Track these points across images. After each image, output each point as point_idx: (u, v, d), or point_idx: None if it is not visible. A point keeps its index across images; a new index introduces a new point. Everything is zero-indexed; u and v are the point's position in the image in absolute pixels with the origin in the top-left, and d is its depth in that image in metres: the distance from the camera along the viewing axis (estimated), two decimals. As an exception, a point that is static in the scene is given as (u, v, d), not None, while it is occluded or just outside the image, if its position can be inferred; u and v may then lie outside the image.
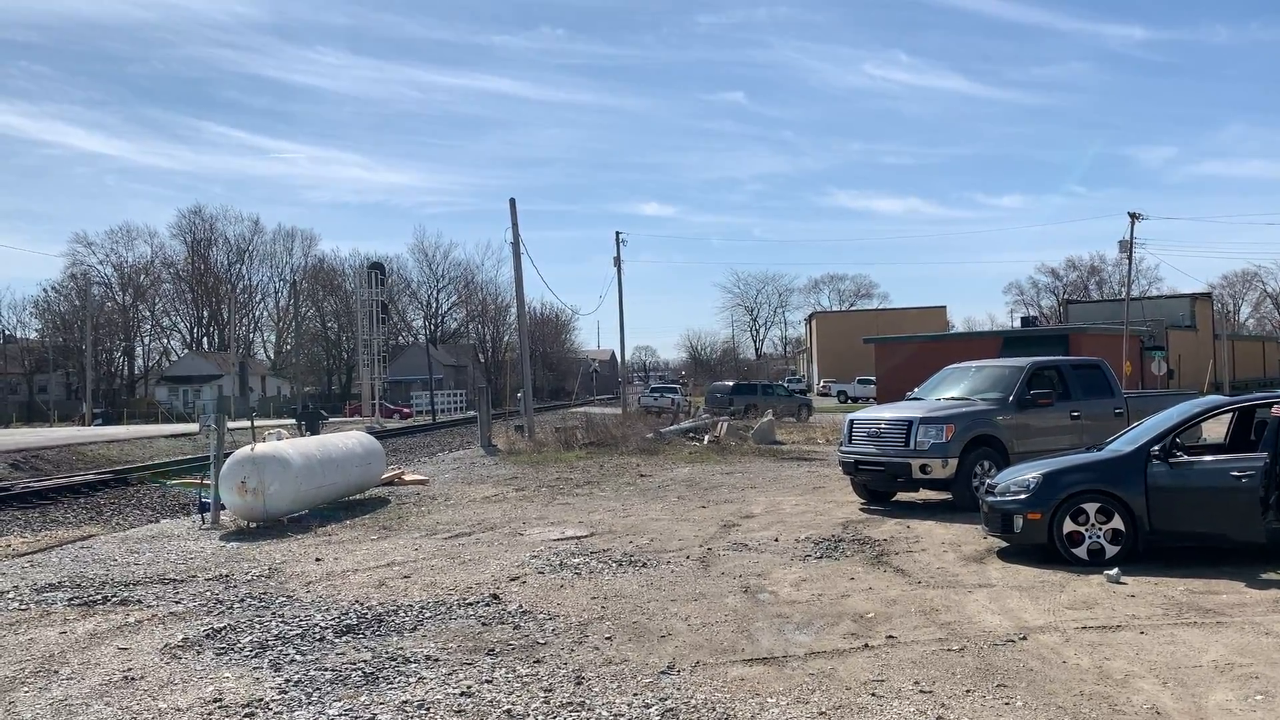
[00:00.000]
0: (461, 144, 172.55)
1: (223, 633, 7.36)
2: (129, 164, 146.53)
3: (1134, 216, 48.97)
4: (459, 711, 5.54)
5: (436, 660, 6.55)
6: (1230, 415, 11.03)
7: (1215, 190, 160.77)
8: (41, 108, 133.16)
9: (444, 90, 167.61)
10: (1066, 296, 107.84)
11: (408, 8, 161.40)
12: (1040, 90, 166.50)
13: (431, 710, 5.57)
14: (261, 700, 5.78)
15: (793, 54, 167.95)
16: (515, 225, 31.78)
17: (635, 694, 5.77)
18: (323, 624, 7.53)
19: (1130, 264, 52.54)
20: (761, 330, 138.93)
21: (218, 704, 5.73)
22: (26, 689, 6.13)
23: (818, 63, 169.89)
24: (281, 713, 5.58)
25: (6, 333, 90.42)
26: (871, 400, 50.64)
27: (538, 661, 6.48)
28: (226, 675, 6.31)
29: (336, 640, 7.10)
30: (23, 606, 8.47)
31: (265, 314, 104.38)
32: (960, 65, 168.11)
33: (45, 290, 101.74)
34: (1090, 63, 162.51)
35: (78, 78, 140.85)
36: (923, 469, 13.12)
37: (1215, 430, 12.06)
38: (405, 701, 5.71)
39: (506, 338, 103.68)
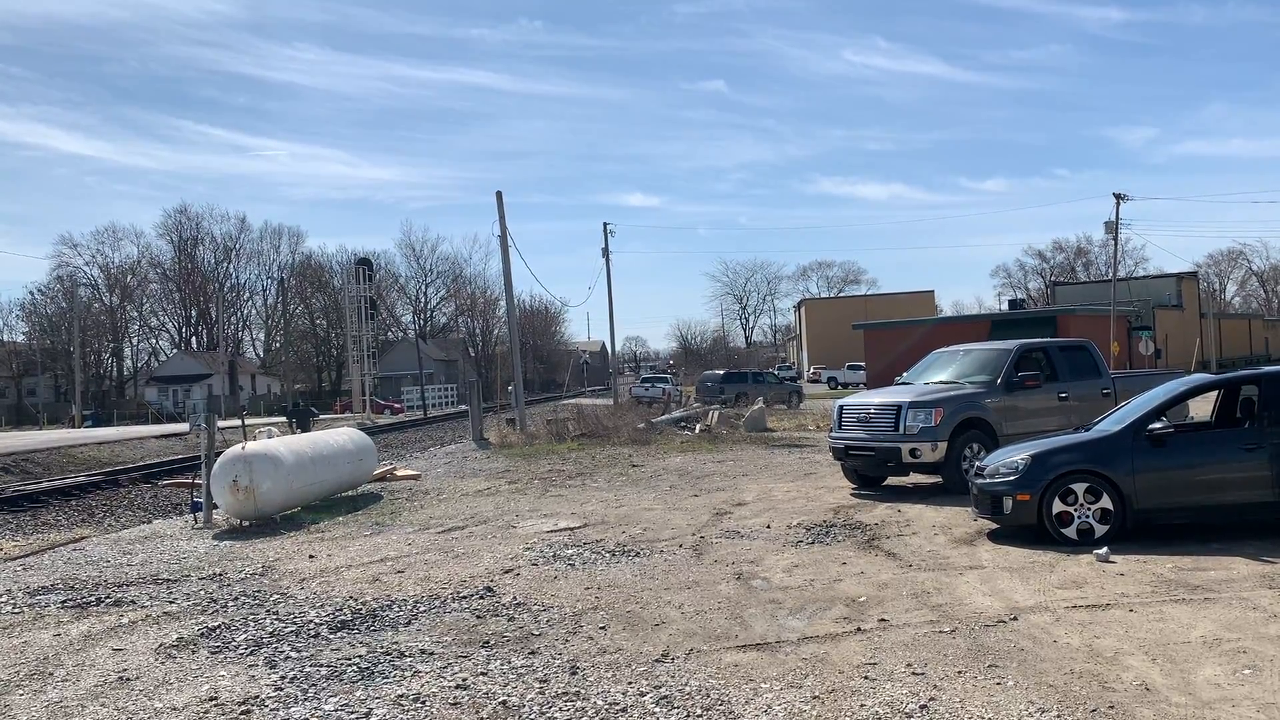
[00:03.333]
0: (444, 138, 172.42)
1: (217, 631, 7.37)
2: (110, 164, 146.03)
3: (1119, 197, 49.11)
4: (455, 704, 5.57)
5: (431, 654, 6.57)
6: (1216, 393, 11.11)
7: (1198, 170, 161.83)
8: (19, 109, 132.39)
9: (423, 85, 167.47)
10: (1054, 278, 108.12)
11: (384, 2, 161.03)
12: (1019, 74, 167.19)
13: (427, 703, 5.59)
14: (257, 697, 5.80)
15: (772, 41, 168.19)
16: (502, 218, 31.73)
17: (630, 682, 5.80)
18: (317, 620, 7.55)
19: (1116, 245, 52.70)
20: (751, 318, 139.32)
21: (214, 702, 5.75)
22: (21, 692, 6.13)
23: (797, 50, 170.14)
24: (278, 709, 5.59)
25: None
26: (861, 386, 50.75)
27: (532, 653, 6.50)
28: (222, 674, 6.32)
29: (331, 636, 7.12)
30: (16, 610, 8.46)
31: (254, 312, 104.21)
32: (939, 50, 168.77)
33: (31, 293, 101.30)
34: (1068, 45, 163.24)
35: (54, 79, 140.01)
36: (912, 453, 13.17)
37: (1202, 409, 12.15)
38: (401, 695, 5.73)
39: (496, 331, 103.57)
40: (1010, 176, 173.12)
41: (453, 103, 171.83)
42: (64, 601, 8.68)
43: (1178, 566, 8.31)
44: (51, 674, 6.49)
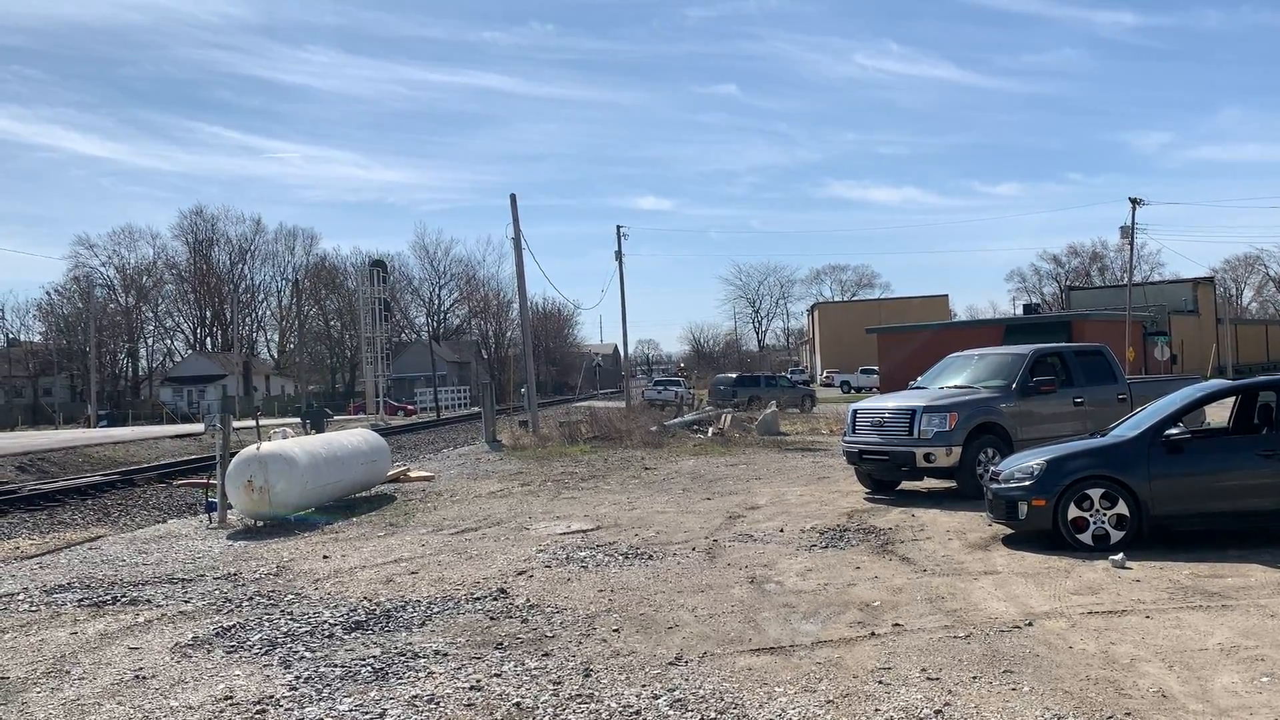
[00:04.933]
0: (456, 141, 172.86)
1: (232, 631, 7.40)
2: (125, 166, 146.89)
3: (1135, 202, 48.88)
4: (469, 705, 5.58)
5: (445, 655, 6.58)
6: (1234, 399, 11.04)
7: (1213, 175, 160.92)
8: (35, 111, 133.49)
9: (436, 88, 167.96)
10: (1069, 283, 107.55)
11: (396, 5, 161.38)
12: (1032, 78, 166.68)
13: (441, 704, 5.60)
14: (272, 697, 5.82)
15: (784, 45, 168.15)
16: (516, 221, 31.80)
17: (644, 685, 5.80)
18: (331, 621, 7.57)
19: (1132, 250, 52.45)
20: (764, 322, 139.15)
21: (229, 701, 5.77)
22: (39, 689, 6.17)
23: (809, 54, 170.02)
24: (292, 709, 5.61)
25: (10, 336, 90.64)
26: (875, 390, 50.63)
27: (546, 654, 6.51)
28: (237, 673, 6.34)
29: (345, 637, 7.14)
30: (33, 608, 8.51)
31: (268, 313, 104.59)
32: (951, 54, 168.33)
33: (48, 293, 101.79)
34: (1082, 49, 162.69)
35: (70, 81, 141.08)
36: (927, 457, 13.13)
37: (1219, 415, 12.08)
38: (415, 696, 5.74)
39: (509, 333, 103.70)
40: (1024, 181, 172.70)
41: (465, 105, 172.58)
42: (80, 600, 8.73)
43: (1194, 573, 8.26)
44: (68, 672, 6.52)
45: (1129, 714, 5.10)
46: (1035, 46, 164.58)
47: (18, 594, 9.10)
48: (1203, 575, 8.18)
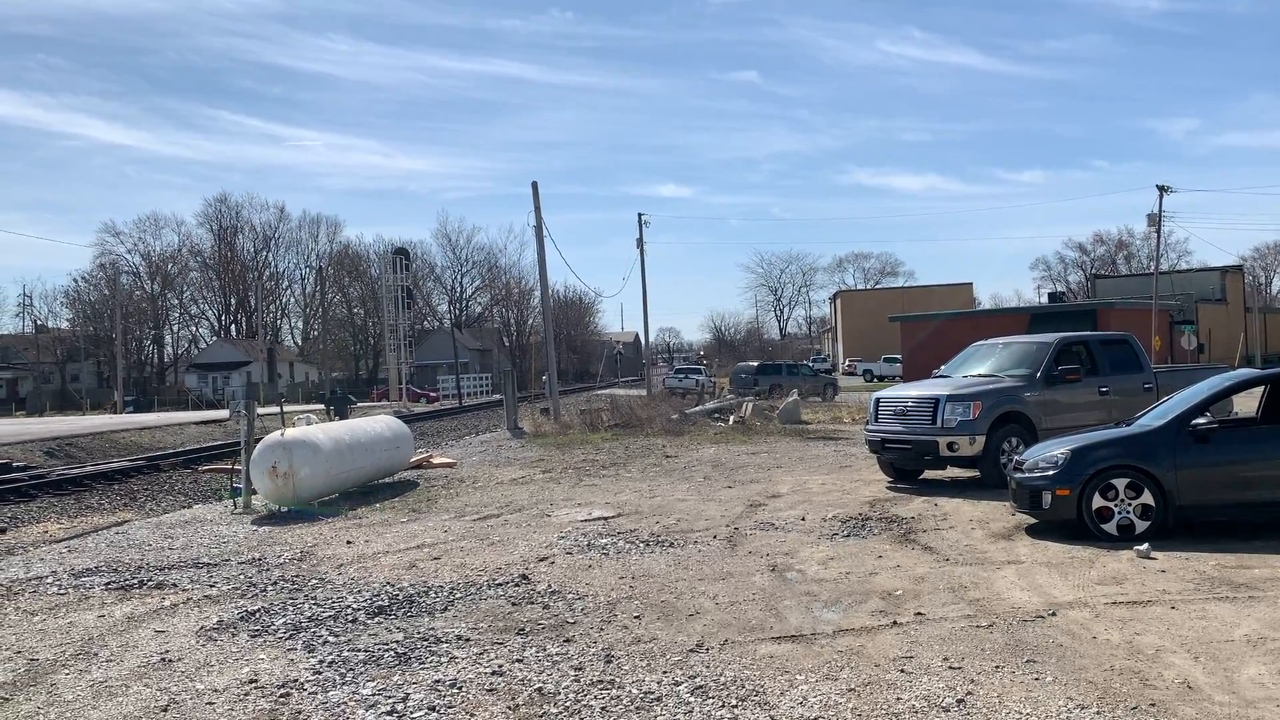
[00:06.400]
0: (476, 129, 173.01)
1: (257, 615, 7.46)
2: (148, 154, 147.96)
3: (1162, 189, 48.36)
4: (490, 690, 5.61)
5: (467, 640, 6.62)
6: (1262, 388, 10.92)
7: (1241, 161, 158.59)
8: (60, 100, 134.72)
9: (455, 76, 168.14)
10: (1094, 271, 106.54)
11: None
12: (1056, 64, 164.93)
13: (463, 689, 5.63)
14: (296, 681, 5.87)
15: (805, 32, 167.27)
16: (538, 208, 31.80)
17: (665, 672, 5.81)
18: (355, 605, 7.62)
19: (1159, 237, 51.93)
20: (786, 310, 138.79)
21: (253, 684, 5.83)
22: (67, 671, 6.25)
23: (830, 40, 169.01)
24: (316, 693, 5.66)
25: (39, 322, 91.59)
26: (898, 379, 50.39)
27: (567, 640, 6.53)
28: (261, 656, 6.40)
29: (369, 621, 7.19)
30: (61, 591, 8.62)
31: (292, 300, 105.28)
32: (974, 40, 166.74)
33: (75, 280, 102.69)
34: (1106, 35, 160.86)
35: (94, 69, 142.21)
36: (950, 446, 13.06)
37: (1247, 404, 11.95)
38: (438, 681, 5.78)
39: (531, 321, 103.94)
40: (1048, 168, 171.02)
41: (485, 93, 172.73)
42: (108, 583, 8.83)
43: (1221, 564, 8.18)
44: (96, 654, 6.60)
45: (1154, 705, 5.07)
46: (1059, 32, 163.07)
47: (47, 577, 9.22)
48: (1229, 566, 8.11)
